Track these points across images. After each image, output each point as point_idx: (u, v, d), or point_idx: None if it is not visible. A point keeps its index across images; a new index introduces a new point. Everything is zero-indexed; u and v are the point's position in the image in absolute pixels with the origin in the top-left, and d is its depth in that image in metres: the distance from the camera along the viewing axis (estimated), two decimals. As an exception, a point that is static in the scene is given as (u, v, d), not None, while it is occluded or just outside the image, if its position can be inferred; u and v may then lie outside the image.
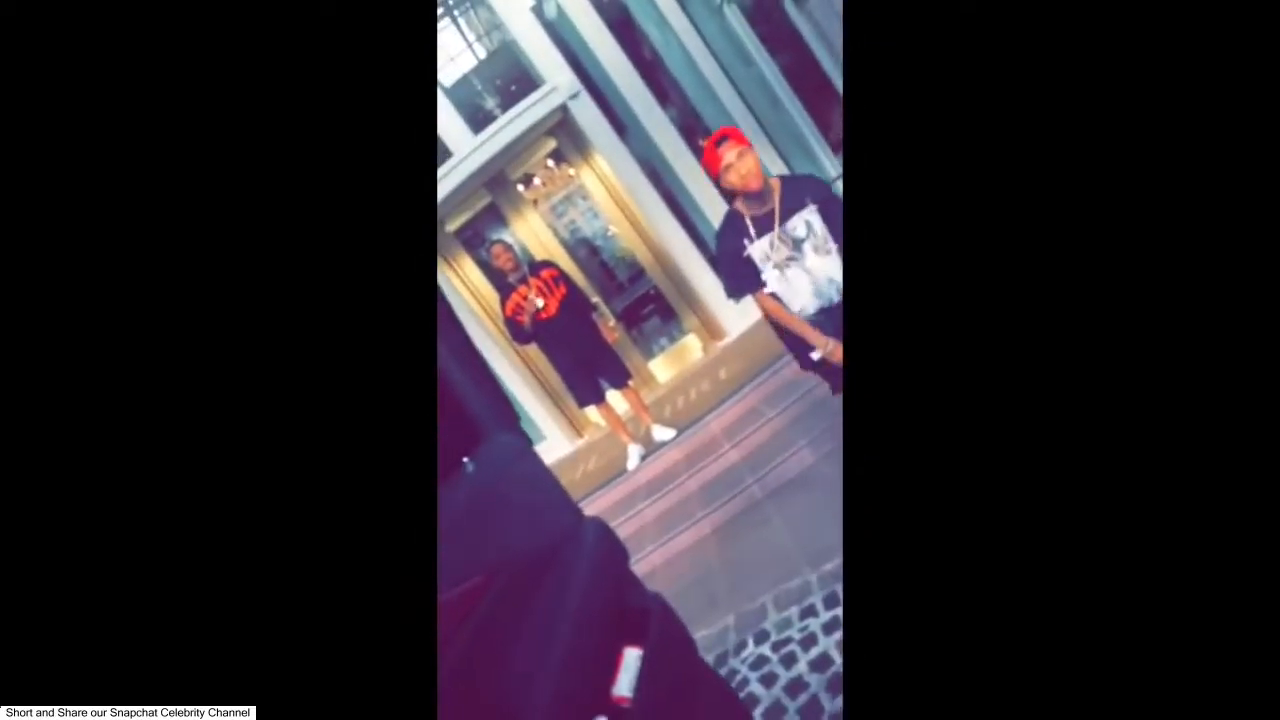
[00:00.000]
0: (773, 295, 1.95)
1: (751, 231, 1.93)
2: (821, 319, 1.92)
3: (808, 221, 1.89)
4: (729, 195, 1.96)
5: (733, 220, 1.98)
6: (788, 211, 1.91)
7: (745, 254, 1.94)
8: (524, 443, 0.85)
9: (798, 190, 1.94)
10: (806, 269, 1.90)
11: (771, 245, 1.91)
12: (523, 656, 0.64)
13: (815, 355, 1.94)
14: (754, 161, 1.89)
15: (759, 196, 1.91)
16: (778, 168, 4.65)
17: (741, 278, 1.98)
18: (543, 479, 0.81)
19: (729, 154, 1.88)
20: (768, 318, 2.03)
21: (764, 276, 1.93)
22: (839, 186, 4.67)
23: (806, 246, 1.90)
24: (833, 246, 1.89)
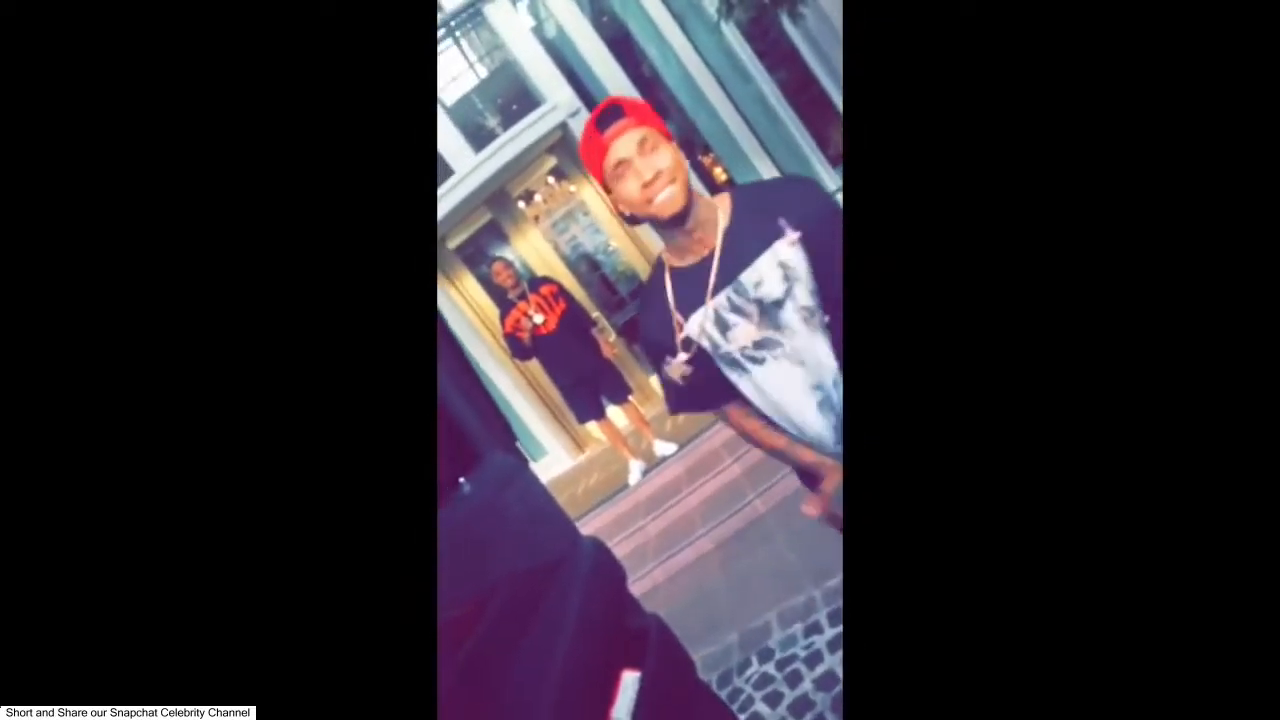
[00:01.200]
0: (747, 407, 1.07)
1: (671, 300, 1.00)
2: (833, 436, 1.01)
3: (783, 265, 0.93)
4: (633, 221, 1.00)
5: (652, 284, 1.04)
6: (741, 256, 0.95)
7: (668, 352, 1.03)
8: (520, 462, 0.85)
9: (763, 207, 0.96)
10: (793, 355, 0.96)
11: (715, 324, 0.97)
12: (519, 679, 0.63)
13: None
14: (671, 159, 0.92)
15: (683, 225, 0.95)
16: (777, 182, 4.66)
17: (679, 394, 1.06)
18: (540, 499, 0.81)
19: (622, 142, 0.91)
20: (745, 438, 1.13)
21: (728, 379, 1.03)
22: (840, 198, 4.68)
23: (788, 315, 0.94)
24: (821, 311, 0.94)
